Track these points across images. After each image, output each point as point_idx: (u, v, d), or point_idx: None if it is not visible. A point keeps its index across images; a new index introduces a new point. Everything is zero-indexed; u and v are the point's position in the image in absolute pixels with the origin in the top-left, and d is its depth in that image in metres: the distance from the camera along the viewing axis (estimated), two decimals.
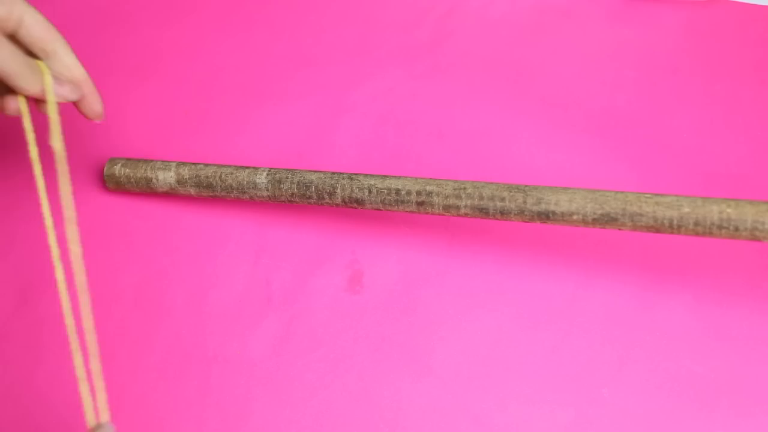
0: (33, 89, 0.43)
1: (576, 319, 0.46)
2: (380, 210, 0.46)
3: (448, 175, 0.51)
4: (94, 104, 0.47)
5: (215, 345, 0.47)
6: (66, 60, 0.44)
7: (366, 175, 0.46)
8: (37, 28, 0.43)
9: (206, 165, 0.50)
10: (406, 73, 0.57)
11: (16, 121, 0.57)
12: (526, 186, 0.43)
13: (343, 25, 0.60)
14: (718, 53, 0.57)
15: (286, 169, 0.48)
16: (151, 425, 0.44)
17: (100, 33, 0.61)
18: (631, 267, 0.47)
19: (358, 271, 0.49)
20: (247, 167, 0.49)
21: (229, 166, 0.49)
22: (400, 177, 0.45)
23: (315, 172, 0.47)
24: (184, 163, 0.50)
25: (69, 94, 0.45)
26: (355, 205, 0.46)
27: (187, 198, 0.52)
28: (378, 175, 0.46)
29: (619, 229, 0.41)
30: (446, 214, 0.45)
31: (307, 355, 0.46)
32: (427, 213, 0.45)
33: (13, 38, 0.43)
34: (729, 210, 0.39)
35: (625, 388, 0.43)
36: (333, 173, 0.47)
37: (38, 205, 0.53)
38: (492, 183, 0.44)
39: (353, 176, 0.46)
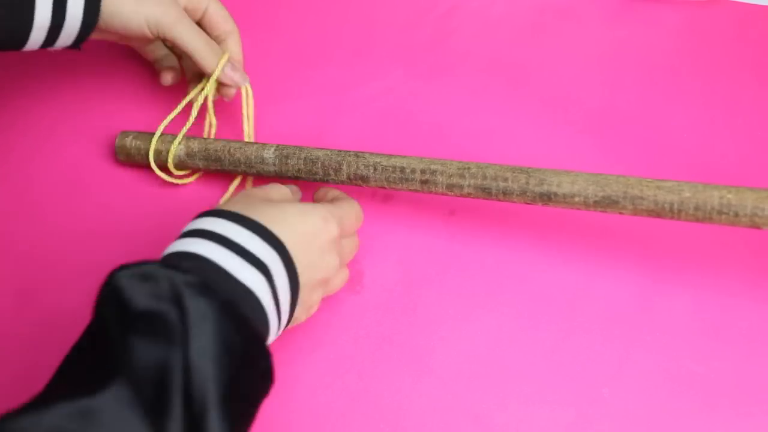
0: (210, 66, 0.50)
1: (576, 319, 0.46)
2: (385, 188, 0.47)
3: None
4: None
5: None
6: (233, 48, 0.52)
7: (372, 153, 0.46)
8: (216, 17, 0.51)
9: (215, 140, 0.50)
10: (406, 73, 0.57)
11: (11, 123, 0.57)
12: (529, 167, 0.43)
13: (343, 25, 0.60)
14: (718, 53, 0.57)
15: (294, 146, 0.48)
16: None
17: None
18: (631, 267, 0.47)
19: (358, 271, 0.49)
20: (255, 143, 0.49)
21: (238, 141, 0.50)
22: (405, 156, 0.46)
23: (322, 149, 0.48)
24: (194, 137, 0.51)
25: (240, 80, 0.51)
26: (360, 182, 0.47)
27: (187, 195, 0.52)
28: (384, 154, 0.46)
29: (620, 213, 0.42)
30: (449, 193, 0.45)
31: (307, 355, 0.46)
32: (431, 192, 0.45)
33: (198, 23, 0.51)
34: (729, 196, 0.39)
35: (625, 388, 0.43)
36: (340, 151, 0.47)
37: (37, 204, 0.53)
38: (496, 164, 0.44)
39: (359, 154, 0.46)
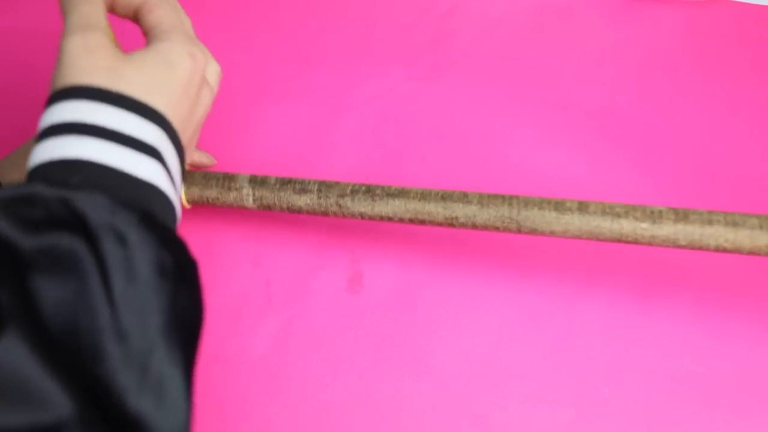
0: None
1: (576, 319, 0.46)
2: None
3: (448, 175, 0.51)
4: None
5: (215, 345, 0.47)
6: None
7: (354, 199, 0.44)
8: None
9: (189, 187, 0.47)
10: (406, 73, 0.57)
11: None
12: (519, 215, 0.42)
13: (343, 26, 0.60)
14: (718, 53, 0.57)
15: (272, 189, 0.46)
16: None
17: None
18: (631, 267, 0.47)
19: (358, 271, 0.49)
20: (232, 189, 0.46)
21: (215, 184, 0.47)
22: (389, 197, 0.43)
23: (302, 195, 0.45)
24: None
25: (206, 161, 0.50)
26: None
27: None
28: (368, 194, 0.44)
29: None
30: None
31: (307, 355, 0.46)
32: None
33: None
34: (726, 245, 0.39)
35: (625, 388, 0.43)
36: (320, 196, 0.45)
37: None
38: (485, 208, 0.42)
39: (341, 203, 0.44)
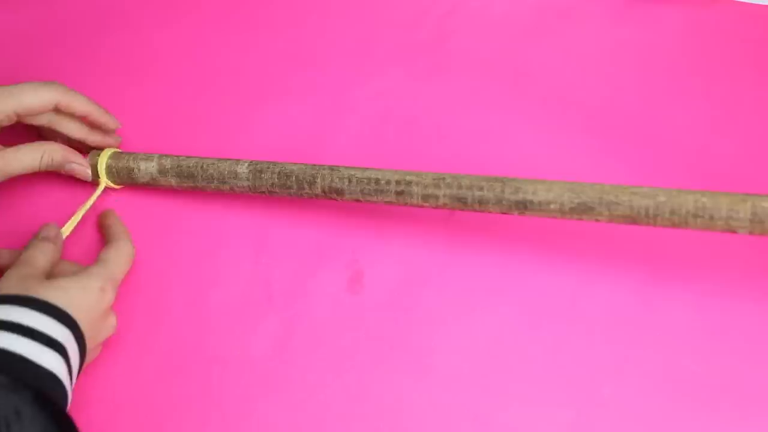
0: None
1: (576, 319, 0.46)
2: (360, 201, 0.46)
3: None
4: (109, 123, 0.52)
5: (215, 345, 0.47)
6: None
7: (347, 167, 0.46)
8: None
9: (189, 156, 0.50)
10: (406, 73, 0.57)
11: None
12: (504, 177, 0.43)
13: (343, 25, 0.60)
14: (718, 53, 0.57)
15: (268, 161, 0.48)
16: (151, 425, 0.44)
17: (99, 33, 0.61)
18: (631, 267, 0.47)
19: (358, 271, 0.49)
20: (230, 159, 0.49)
21: (212, 157, 0.50)
22: (381, 169, 0.46)
23: (297, 163, 0.48)
24: (166, 155, 0.51)
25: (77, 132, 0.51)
26: (335, 195, 0.46)
27: (188, 197, 0.52)
28: (359, 167, 0.46)
29: (597, 220, 0.42)
30: (425, 204, 0.45)
31: (307, 355, 0.46)
32: (406, 204, 0.45)
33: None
34: (704, 199, 0.39)
35: (625, 388, 0.43)
36: (315, 165, 0.47)
37: (37, 206, 0.53)
38: (472, 174, 0.44)
39: (334, 167, 0.46)
